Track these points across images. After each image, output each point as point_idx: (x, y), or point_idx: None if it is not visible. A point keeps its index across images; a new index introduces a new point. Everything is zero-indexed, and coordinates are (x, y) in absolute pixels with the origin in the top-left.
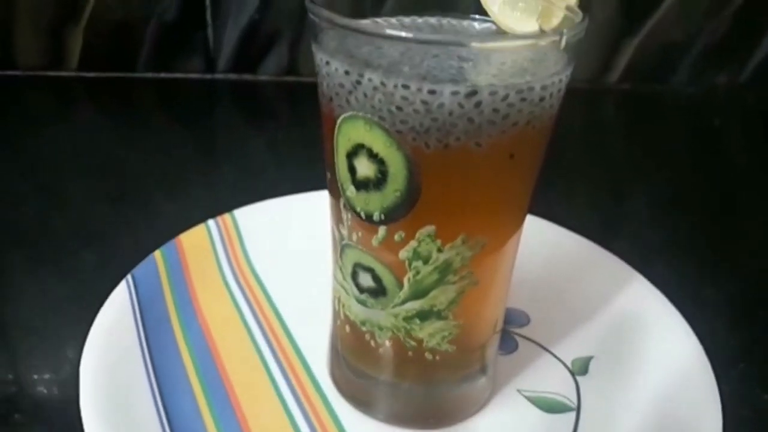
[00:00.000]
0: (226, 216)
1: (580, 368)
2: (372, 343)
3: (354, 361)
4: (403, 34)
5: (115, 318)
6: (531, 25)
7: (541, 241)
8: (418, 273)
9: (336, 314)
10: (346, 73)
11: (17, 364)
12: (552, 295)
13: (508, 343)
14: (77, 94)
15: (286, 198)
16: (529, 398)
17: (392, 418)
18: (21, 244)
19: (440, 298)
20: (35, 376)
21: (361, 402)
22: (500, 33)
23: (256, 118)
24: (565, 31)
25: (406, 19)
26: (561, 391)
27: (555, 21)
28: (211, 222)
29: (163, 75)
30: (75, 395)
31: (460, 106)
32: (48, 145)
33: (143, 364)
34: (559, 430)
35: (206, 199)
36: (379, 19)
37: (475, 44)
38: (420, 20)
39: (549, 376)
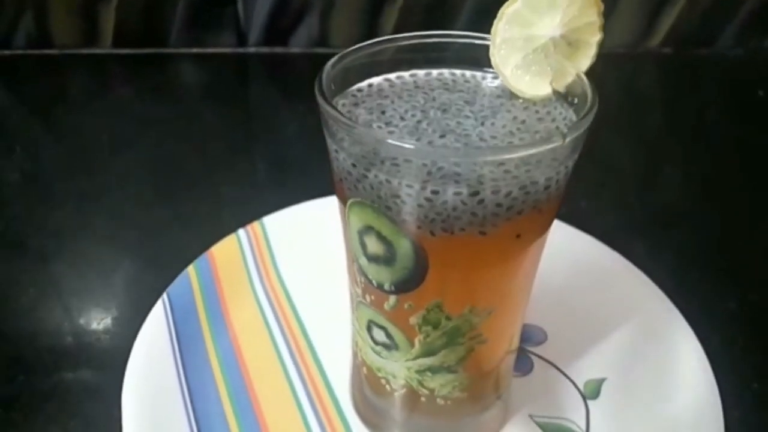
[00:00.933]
0: (256, 225)
1: (592, 392)
2: (387, 387)
3: (371, 393)
4: (406, 145)
5: (153, 337)
6: (544, 88)
7: (563, 251)
8: (428, 336)
9: (355, 354)
10: (353, 165)
11: (61, 375)
12: (570, 310)
13: (523, 363)
14: (112, 70)
15: (314, 202)
16: (539, 424)
17: None
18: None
19: (450, 356)
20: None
21: (380, 428)
22: (513, 96)
23: (288, 91)
24: (568, 133)
25: (421, 73)
26: (571, 416)
27: (569, 78)
28: (241, 232)
29: (195, 50)
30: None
31: (463, 203)
32: (85, 121)
33: (179, 386)
34: None
35: (241, 177)
36: (391, 76)
37: (480, 160)
38: (435, 73)
39: (561, 400)
